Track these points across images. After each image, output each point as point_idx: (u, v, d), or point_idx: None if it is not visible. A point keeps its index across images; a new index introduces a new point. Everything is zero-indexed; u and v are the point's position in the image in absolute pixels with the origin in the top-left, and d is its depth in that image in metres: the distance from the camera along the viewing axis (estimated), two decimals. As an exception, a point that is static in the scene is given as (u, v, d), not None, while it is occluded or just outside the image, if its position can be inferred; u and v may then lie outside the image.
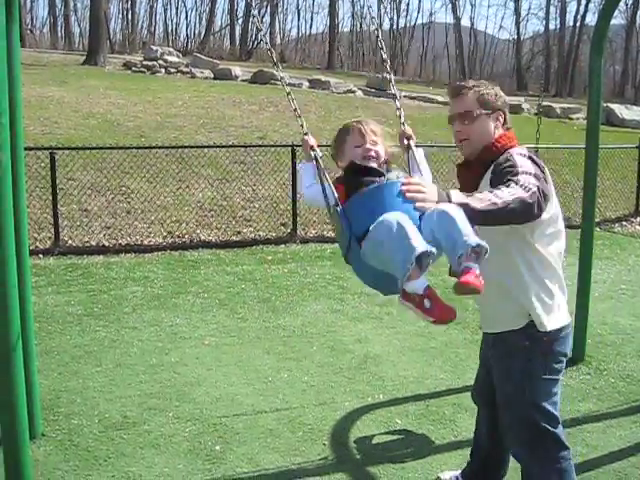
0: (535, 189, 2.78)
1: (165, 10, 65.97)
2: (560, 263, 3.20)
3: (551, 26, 55.48)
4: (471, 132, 3.22)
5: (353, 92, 25.73)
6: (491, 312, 3.34)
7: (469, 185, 3.17)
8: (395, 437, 4.70)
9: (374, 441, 4.64)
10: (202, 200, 11.34)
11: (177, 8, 73.40)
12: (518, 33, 56.21)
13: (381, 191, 2.81)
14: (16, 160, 3.96)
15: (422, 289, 2.68)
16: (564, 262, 3.29)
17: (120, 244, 9.81)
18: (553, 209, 3.10)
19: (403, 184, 2.73)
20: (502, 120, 3.26)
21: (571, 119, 25.16)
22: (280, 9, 60.35)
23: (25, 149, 5.02)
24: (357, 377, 5.62)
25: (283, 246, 10.17)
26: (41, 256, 9.14)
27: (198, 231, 10.45)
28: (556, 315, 3.16)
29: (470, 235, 2.54)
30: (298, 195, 10.74)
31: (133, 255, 9.50)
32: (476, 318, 6.04)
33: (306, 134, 3.29)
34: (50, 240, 9.56)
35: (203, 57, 29.56)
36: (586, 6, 51.81)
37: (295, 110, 3.43)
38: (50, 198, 9.62)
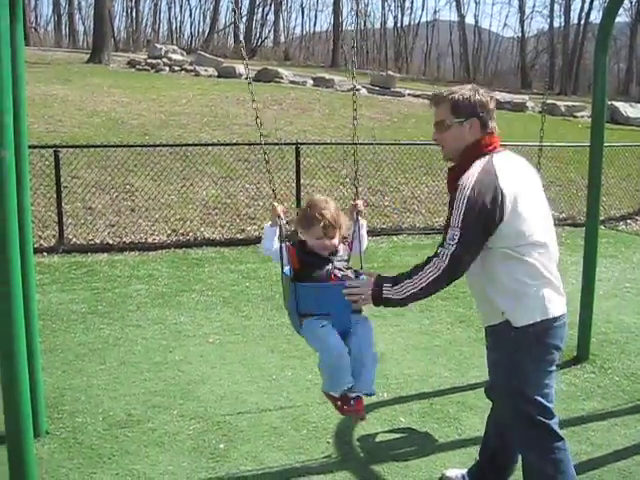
0: (447, 259, 3.14)
1: (169, 8, 66.25)
2: (541, 258, 3.21)
3: (555, 24, 55.32)
4: (445, 140, 3.41)
5: (357, 90, 25.69)
6: (479, 308, 3.53)
7: (451, 188, 3.31)
8: (399, 435, 4.70)
9: (378, 439, 4.63)
10: (206, 198, 11.34)
11: (181, 6, 73.07)
12: (522, 31, 56.17)
13: (328, 290, 3.49)
14: (20, 158, 3.96)
15: (338, 395, 3.51)
16: (553, 257, 3.29)
17: (124, 242, 9.81)
18: (518, 222, 3.15)
19: (345, 287, 3.39)
20: (478, 125, 3.31)
21: (575, 117, 25.11)
22: (284, 7, 60.38)
23: (29, 147, 5.02)
24: (361, 375, 5.61)
25: (287, 244, 10.15)
26: (45, 254, 9.15)
27: (202, 229, 10.45)
28: (532, 309, 3.19)
29: (374, 382, 3.52)
30: (302, 193, 10.76)
31: (137, 253, 9.51)
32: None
33: (276, 201, 3.74)
34: (54, 238, 9.57)
35: (207, 55, 29.55)
36: (590, 4, 51.87)
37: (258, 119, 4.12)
38: (54, 196, 9.63)
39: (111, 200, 10.83)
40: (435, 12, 65.02)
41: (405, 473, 4.18)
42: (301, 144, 11.17)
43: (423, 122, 19.56)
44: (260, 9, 56.54)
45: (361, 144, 13.45)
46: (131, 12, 55.58)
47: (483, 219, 3.09)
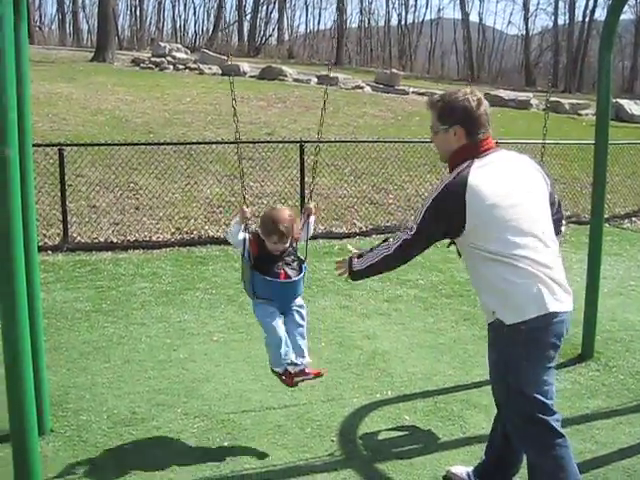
0: (398, 243, 3.48)
1: (173, 6, 65.96)
2: (527, 260, 3.22)
3: (560, 21, 55.33)
4: (436, 144, 3.58)
5: (361, 88, 25.72)
6: (481, 306, 3.57)
7: None
8: (403, 433, 4.69)
9: (382, 437, 4.63)
10: (210, 196, 11.34)
11: (185, 4, 73.45)
12: (527, 29, 56.09)
13: (279, 285, 4.36)
14: (24, 157, 3.97)
15: (283, 369, 4.37)
16: (547, 255, 3.28)
17: (128, 240, 9.82)
18: (489, 227, 3.24)
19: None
20: (462, 133, 3.39)
21: (580, 115, 25.07)
22: (288, 5, 60.34)
23: (33, 145, 5.03)
24: (365, 373, 5.61)
25: (291, 242, 10.16)
26: (50, 252, 9.17)
27: (206, 227, 10.45)
28: (522, 307, 3.22)
29: (305, 352, 4.43)
30: (306, 192, 10.75)
31: (141, 251, 9.51)
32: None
33: (245, 208, 4.37)
34: (59, 236, 9.58)
35: (211, 53, 29.56)
36: (595, 1, 51.58)
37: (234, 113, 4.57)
38: (59, 194, 9.64)
39: (115, 198, 10.84)
40: (439, 10, 64.99)
41: (409, 471, 4.18)
42: (305, 142, 11.16)
43: (427, 120, 19.35)
44: (264, 7, 56.54)
45: (365, 142, 13.46)
46: (135, 10, 55.72)
47: (440, 221, 3.32)
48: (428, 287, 8.01)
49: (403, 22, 60.62)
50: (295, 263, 4.52)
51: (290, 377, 4.37)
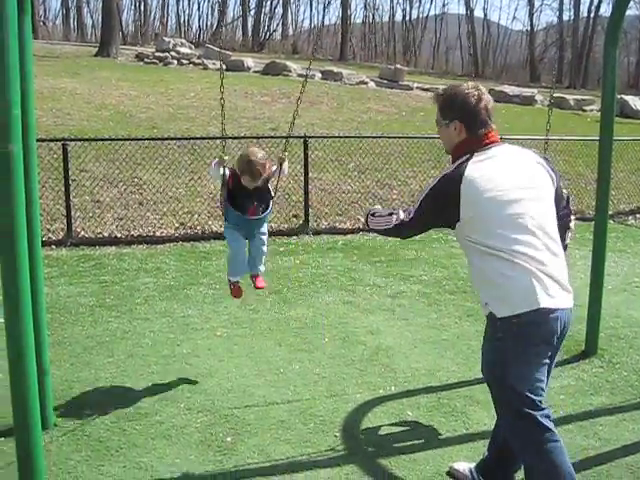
0: (396, 222, 3.54)
1: (177, 1, 66.32)
2: (523, 255, 3.22)
3: (565, 17, 55.04)
4: (440, 137, 3.62)
5: (365, 83, 25.68)
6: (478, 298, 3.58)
7: None
8: (406, 429, 4.69)
9: (385, 433, 4.63)
10: (214, 191, 11.31)
11: (189, -1, 73.33)
12: (531, 24, 55.87)
13: (246, 220, 5.20)
14: (28, 151, 3.96)
15: (236, 280, 5.42)
16: (546, 250, 3.27)
17: (132, 235, 9.83)
18: (484, 221, 3.27)
19: (258, 219, 5.22)
20: (462, 128, 3.42)
21: (585, 111, 25.03)
22: (292, 0, 60.22)
23: (38, 140, 5.04)
24: (369, 369, 5.62)
25: (295, 238, 10.17)
26: (54, 247, 9.18)
27: (210, 222, 10.45)
28: (514, 301, 3.23)
29: (259, 267, 5.43)
30: (310, 186, 10.75)
31: (145, 246, 9.52)
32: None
33: (223, 155, 5.17)
34: (63, 231, 9.60)
35: (215, 48, 29.54)
36: (600, -3, 51.40)
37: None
38: (63, 189, 9.66)
39: (119, 193, 10.84)
40: (444, 5, 64.78)
41: (412, 467, 4.18)
42: (309, 137, 11.16)
43: (431, 115, 19.38)
44: (268, 2, 56.45)
45: (369, 137, 13.45)
46: (139, 5, 55.57)
47: (436, 211, 3.38)
48: (432, 283, 8.01)
49: (407, 17, 60.46)
50: (264, 201, 5.29)
51: (238, 290, 5.43)
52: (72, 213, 9.61)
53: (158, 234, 9.98)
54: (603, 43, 5.80)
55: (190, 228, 10.27)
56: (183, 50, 27.64)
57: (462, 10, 62.52)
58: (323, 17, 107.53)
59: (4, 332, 3.16)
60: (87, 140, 10.98)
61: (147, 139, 11.49)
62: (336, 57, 45.91)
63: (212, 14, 58.99)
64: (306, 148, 10.72)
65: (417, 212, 3.43)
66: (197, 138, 12.17)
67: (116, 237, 9.74)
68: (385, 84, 25.81)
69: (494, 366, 3.38)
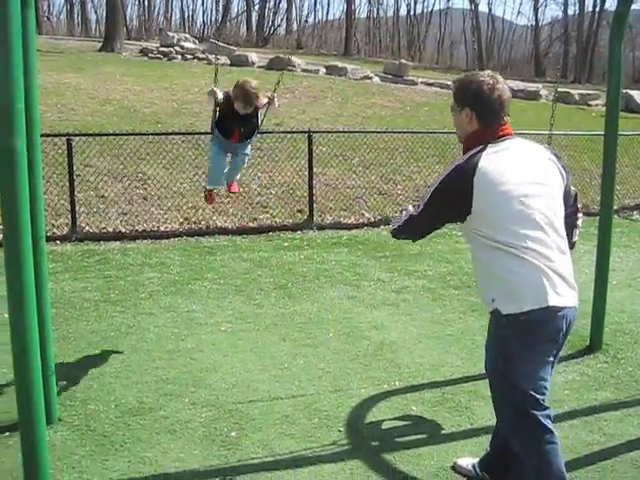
0: (406, 218, 3.50)
1: (181, -4, 65.94)
2: (532, 252, 3.18)
3: (570, 11, 54.99)
4: (454, 124, 3.55)
5: (370, 78, 25.63)
6: (479, 294, 3.57)
7: None
8: (411, 424, 4.69)
9: (390, 428, 4.63)
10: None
11: (193, -6, 73.40)
12: (536, 19, 55.74)
13: (230, 143, 5.89)
14: (32, 147, 3.96)
15: (213, 189, 6.21)
16: (554, 249, 3.25)
17: (137, 230, 9.84)
18: (495, 216, 3.22)
19: (242, 145, 6.00)
20: (474, 116, 3.37)
21: (590, 105, 24.95)
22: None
23: (42, 136, 5.04)
24: (373, 364, 5.61)
25: (299, 232, 10.17)
26: (58, 242, 9.19)
27: (214, 217, 10.46)
28: (522, 298, 3.19)
29: (235, 177, 6.25)
30: (314, 181, 10.75)
31: (149, 241, 9.53)
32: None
33: (214, 89, 5.67)
34: (67, 226, 9.60)
35: (219, 43, 29.51)
36: (605, -9, 51.25)
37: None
38: (67, 185, 9.66)
39: (123, 188, 10.85)
40: (448, 0, 64.65)
41: (416, 462, 4.18)
42: (314, 132, 11.14)
43: (436, 110, 19.49)
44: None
45: (373, 132, 13.43)
46: (143, 0, 55.56)
47: (447, 203, 3.31)
48: (436, 278, 8.00)
49: (412, 12, 60.41)
50: (249, 129, 5.93)
51: (212, 197, 6.28)
52: (76, 208, 9.62)
53: (162, 229, 9.99)
54: (608, 37, 5.78)
55: (194, 223, 10.27)
56: (187, 45, 27.62)
57: (467, 5, 62.41)
58: (327, 12, 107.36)
59: (8, 327, 3.16)
60: (91, 135, 10.98)
61: (151, 134, 11.48)
62: (340, 52, 45.85)
63: (216, 9, 58.99)
64: (310, 143, 10.70)
65: (427, 204, 3.35)
66: (201, 133, 12.13)
67: (120, 232, 9.75)
68: (389, 79, 25.75)
69: (498, 363, 3.34)
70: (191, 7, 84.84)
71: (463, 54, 58.48)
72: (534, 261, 3.18)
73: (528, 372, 3.26)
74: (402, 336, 6.22)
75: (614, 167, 5.82)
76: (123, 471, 4.04)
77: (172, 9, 61.13)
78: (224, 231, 10.02)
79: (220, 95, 5.66)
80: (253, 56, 26.32)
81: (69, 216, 9.60)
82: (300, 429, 4.55)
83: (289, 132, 12.53)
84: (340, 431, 4.54)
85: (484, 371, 5.35)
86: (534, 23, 56.11)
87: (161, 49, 26.96)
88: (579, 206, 3.72)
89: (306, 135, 10.93)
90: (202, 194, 6.34)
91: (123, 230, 9.82)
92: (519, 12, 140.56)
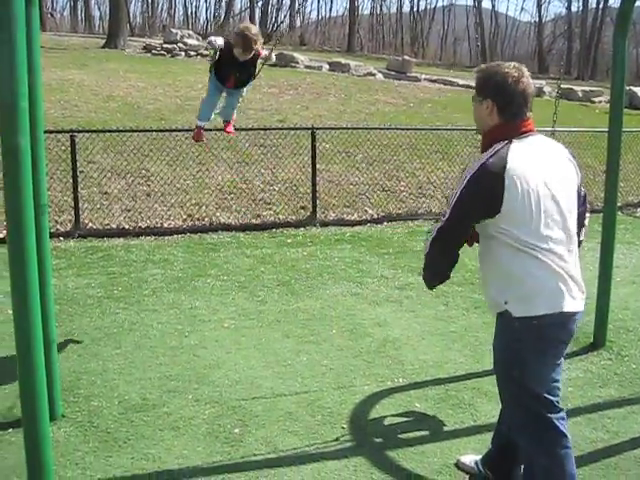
0: (435, 232, 3.29)
1: (185, -7, 65.93)
2: (551, 254, 3.13)
3: (573, 8, 54.88)
4: (473, 115, 3.41)
5: (373, 75, 25.62)
6: (486, 295, 3.47)
7: None
8: (414, 421, 4.69)
9: (393, 425, 4.63)
10: (222, 183, 11.34)
11: (197, -10, 73.35)
12: (540, 15, 55.84)
13: (225, 88, 6.16)
14: (36, 143, 3.96)
15: (201, 125, 6.36)
16: (570, 253, 3.22)
17: (140, 227, 9.83)
18: (521, 215, 3.11)
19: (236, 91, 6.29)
20: (495, 109, 3.26)
21: (593, 102, 24.93)
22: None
23: (45, 132, 5.04)
24: (376, 361, 5.61)
25: (303, 229, 10.16)
26: (62, 239, 9.19)
27: (218, 214, 10.45)
28: (538, 302, 3.13)
29: (231, 115, 6.50)
30: (317, 178, 10.74)
31: (153, 238, 9.53)
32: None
33: (212, 39, 5.93)
34: (70, 223, 9.60)
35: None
36: (609, -13, 51.19)
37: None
38: (71, 181, 9.66)
39: (127, 185, 10.85)
40: (452, -4, 64.61)
41: (420, 459, 4.18)
42: (317, 129, 11.14)
43: (439, 107, 19.48)
44: (275, -6, 56.31)
45: (376, 129, 13.42)
46: (147, -3, 55.53)
47: (477, 203, 3.14)
48: (439, 275, 7.99)
49: (415, 9, 60.44)
50: (245, 75, 6.06)
51: (200, 134, 6.44)
52: (80, 205, 9.61)
53: (166, 225, 9.99)
54: (612, 34, 5.77)
55: (198, 220, 10.27)
56: (190, 42, 27.61)
57: (470, 1, 62.26)
58: (330, 8, 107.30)
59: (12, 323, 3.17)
60: (95, 132, 10.98)
61: (155, 130, 11.47)
62: (344, 48, 45.86)
63: (219, 6, 58.93)
64: (314, 140, 10.69)
65: (455, 208, 3.17)
66: (205, 130, 12.14)
67: (124, 229, 9.75)
68: (393, 75, 25.75)
69: (512, 367, 3.26)
70: (194, 4, 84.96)
71: (466, 51, 58.41)
72: (553, 265, 3.12)
73: (542, 375, 3.22)
74: (405, 333, 6.22)
75: (618, 164, 5.82)
76: (126, 467, 4.05)
77: (175, 6, 61.37)
78: (227, 227, 10.02)
79: (220, 42, 5.83)
80: (256, 53, 26.27)
81: (72, 212, 9.59)
82: (303, 426, 4.55)
83: (292, 128, 12.51)
84: (343, 428, 4.54)
85: (488, 368, 5.36)
86: (537, 19, 56.22)
87: (164, 46, 26.97)
88: (587, 206, 3.69)
89: (309, 132, 10.91)
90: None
91: (126, 227, 9.82)
92: (522, 8, 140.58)
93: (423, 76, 26.32)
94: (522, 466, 3.72)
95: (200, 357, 5.61)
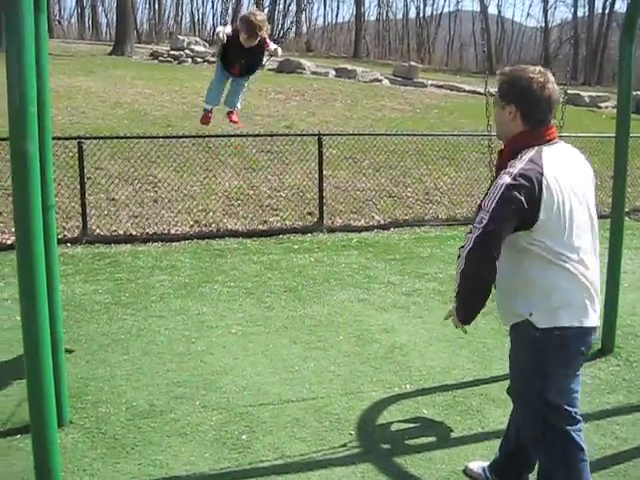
0: (471, 245, 3.07)
1: (191, 0, 66.11)
2: (579, 265, 3.10)
3: (579, 13, 54.82)
4: (494, 117, 3.34)
5: (379, 81, 25.64)
6: (502, 306, 3.37)
7: (497, 173, 3.24)
8: (422, 427, 4.68)
9: (401, 431, 4.62)
10: (229, 189, 11.35)
11: (203, -3, 73.54)
12: (546, 21, 55.68)
13: (231, 75, 6.12)
14: (44, 150, 3.98)
15: (208, 108, 6.44)
16: (593, 266, 3.20)
17: (147, 233, 9.85)
18: (555, 225, 3.05)
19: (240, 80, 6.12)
20: (518, 115, 3.18)
21: (599, 107, 24.90)
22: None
23: (53, 139, 5.05)
24: (384, 367, 5.60)
25: (309, 235, 10.16)
26: (69, 245, 9.21)
27: (225, 220, 10.46)
28: (562, 314, 3.09)
29: (235, 103, 6.38)
30: (324, 184, 10.74)
31: (160, 244, 9.54)
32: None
33: (220, 31, 5.82)
34: (78, 229, 9.62)
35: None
36: (615, -7, 51.17)
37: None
38: (78, 187, 9.68)
39: (134, 191, 10.87)
40: (457, 2, 64.71)
41: (428, 465, 4.17)
42: (323, 135, 11.14)
43: (445, 113, 19.47)
44: (282, 0, 56.43)
45: (383, 135, 13.43)
46: (153, 4, 55.71)
47: (515, 212, 2.99)
48: (447, 280, 7.98)
49: (421, 14, 60.46)
50: (251, 62, 6.02)
51: (207, 117, 6.46)
52: (87, 211, 9.63)
53: (173, 232, 10.00)
54: (619, 39, 5.77)
55: (205, 226, 10.28)
56: (197, 48, 27.69)
57: (476, 7, 62.36)
58: (337, 15, 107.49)
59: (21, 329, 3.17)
60: (102, 138, 11.01)
61: (162, 137, 11.50)
62: (350, 54, 45.89)
63: (226, 13, 59.02)
64: (320, 146, 10.70)
65: (493, 215, 3.01)
66: (211, 136, 12.15)
67: (131, 235, 9.76)
68: (399, 81, 25.76)
69: (534, 379, 3.20)
70: (201, 10, 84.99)
71: (473, 56, 58.40)
72: (581, 277, 3.10)
73: (563, 387, 3.19)
74: (413, 339, 6.21)
75: (625, 169, 5.81)
76: (134, 474, 4.05)
77: (182, 12, 61.34)
78: (234, 234, 10.02)
79: (228, 30, 5.76)
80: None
81: (80, 219, 9.62)
82: (311, 432, 4.54)
83: (299, 135, 12.53)
84: (351, 434, 4.53)
85: (495, 374, 5.36)
86: (543, 25, 56.10)
87: (171, 52, 27.05)
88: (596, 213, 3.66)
89: (316, 138, 10.92)
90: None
91: (134, 233, 9.84)
92: (528, 14, 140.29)
93: (429, 82, 26.33)
94: (530, 474, 3.72)
95: (207, 363, 5.60)
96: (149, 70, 22.69)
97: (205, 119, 6.50)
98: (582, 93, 26.11)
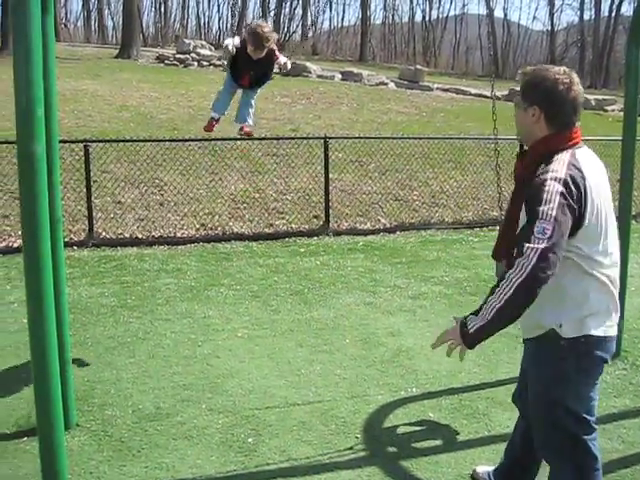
0: (536, 256, 2.79)
1: (197, 3, 66.32)
2: (609, 272, 3.06)
3: (586, 16, 54.85)
4: (515, 119, 3.21)
5: (385, 84, 25.66)
6: (529, 317, 3.12)
7: (518, 177, 3.18)
8: (428, 431, 4.67)
9: (407, 435, 4.61)
10: (235, 192, 11.36)
11: (209, 1, 73.75)
12: (552, 24, 55.64)
13: (240, 85, 6.14)
14: (51, 152, 3.98)
15: (215, 117, 6.31)
16: (618, 273, 3.18)
17: (153, 236, 9.86)
18: (595, 229, 2.99)
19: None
20: (542, 117, 3.06)
21: (606, 111, 24.86)
22: (312, 1, 60.18)
23: (60, 142, 5.05)
24: (390, 370, 5.60)
25: (316, 238, 10.16)
26: (75, 248, 9.22)
27: (231, 223, 10.47)
28: (590, 324, 3.04)
29: (245, 117, 6.27)
30: (330, 187, 10.74)
31: (166, 247, 9.55)
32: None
33: (228, 44, 5.84)
34: (84, 232, 9.64)
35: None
36: (622, -4, 51.08)
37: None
38: (84, 190, 9.70)
39: (140, 194, 10.88)
40: (463, 5, 64.78)
41: (434, 469, 4.16)
42: (329, 138, 11.14)
43: (452, 116, 19.46)
44: (288, 3, 56.52)
45: (389, 138, 13.43)
46: (160, 7, 55.88)
47: (572, 218, 2.88)
48: (453, 284, 7.98)
49: (427, 18, 60.46)
50: (260, 73, 6.01)
51: (211, 125, 6.36)
52: (94, 214, 9.66)
53: (179, 235, 10.01)
54: (625, 42, 5.75)
55: (211, 229, 10.29)
56: (203, 52, 27.76)
57: (482, 10, 62.21)
58: (342, 18, 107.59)
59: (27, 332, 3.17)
60: (108, 141, 11.04)
61: (168, 140, 11.53)
62: (356, 58, 45.92)
63: (232, 16, 59.18)
64: (326, 149, 10.70)
65: (557, 230, 2.82)
66: (217, 139, 12.14)
67: (137, 238, 9.78)
68: (405, 85, 25.78)
69: (554, 387, 3.12)
70: (207, 14, 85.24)
71: (479, 59, 58.40)
72: (610, 286, 3.06)
73: (583, 395, 3.14)
74: (419, 342, 6.20)
75: (632, 172, 5.79)
76: (140, 477, 4.05)
77: (188, 16, 61.36)
78: (240, 237, 10.03)
79: (237, 42, 5.79)
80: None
81: (86, 222, 9.64)
82: (317, 435, 4.54)
83: (305, 138, 12.54)
84: (357, 438, 4.53)
85: (502, 377, 5.35)
86: (550, 28, 56.05)
87: (177, 56, 27.12)
88: None
89: (322, 141, 10.94)
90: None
91: (140, 236, 9.85)
92: (535, 17, 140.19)
93: (435, 85, 26.34)
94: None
95: (213, 366, 5.61)
96: (155, 73, 22.73)
97: (209, 127, 6.46)
98: (588, 96, 26.02)
